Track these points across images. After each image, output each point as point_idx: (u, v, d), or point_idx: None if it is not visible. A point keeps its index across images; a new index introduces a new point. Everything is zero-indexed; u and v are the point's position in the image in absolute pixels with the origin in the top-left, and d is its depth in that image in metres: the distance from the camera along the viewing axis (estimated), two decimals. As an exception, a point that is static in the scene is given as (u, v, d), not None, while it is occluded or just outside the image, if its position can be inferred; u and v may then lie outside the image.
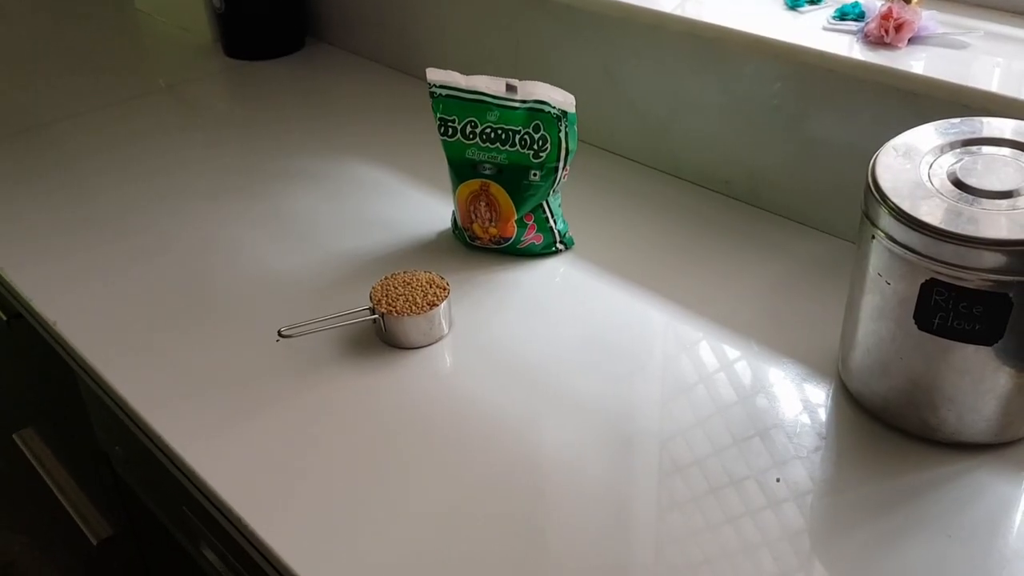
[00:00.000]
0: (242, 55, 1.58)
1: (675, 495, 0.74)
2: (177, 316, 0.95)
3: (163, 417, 0.83)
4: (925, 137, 0.77)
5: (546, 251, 1.02)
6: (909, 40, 0.94)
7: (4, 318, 1.16)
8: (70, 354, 0.94)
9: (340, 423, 0.81)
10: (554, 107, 0.94)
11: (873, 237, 0.74)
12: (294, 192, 1.17)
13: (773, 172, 1.07)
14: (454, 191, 1.01)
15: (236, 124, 1.38)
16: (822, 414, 0.81)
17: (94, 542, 1.32)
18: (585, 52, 1.19)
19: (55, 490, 1.43)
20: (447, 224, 1.08)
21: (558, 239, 1.02)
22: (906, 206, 0.71)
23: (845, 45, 0.96)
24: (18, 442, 1.53)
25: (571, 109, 0.95)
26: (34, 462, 1.50)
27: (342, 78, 1.51)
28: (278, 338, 0.87)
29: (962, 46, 0.94)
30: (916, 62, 0.91)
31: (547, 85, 0.95)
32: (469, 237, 1.02)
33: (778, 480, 0.74)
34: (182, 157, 1.27)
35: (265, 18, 1.56)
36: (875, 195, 0.74)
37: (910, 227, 0.70)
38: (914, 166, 0.75)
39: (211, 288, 0.99)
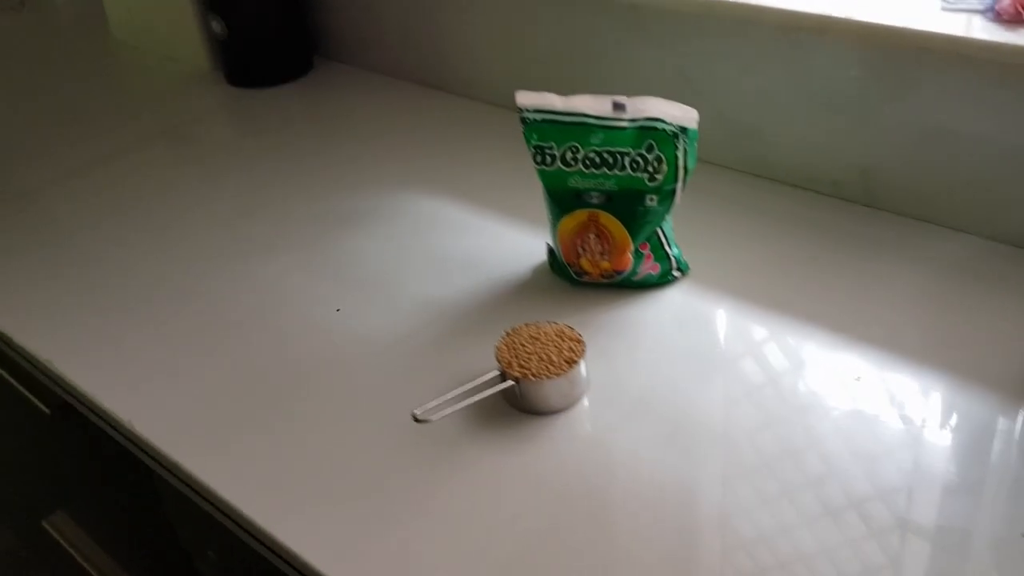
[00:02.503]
0: (247, 83, 1.45)
1: (872, 559, 0.65)
2: (264, 400, 0.84)
3: (286, 525, 0.71)
4: None
5: (663, 280, 0.93)
6: (1047, 15, 0.86)
7: (47, 410, 1.03)
8: (153, 456, 0.82)
9: (495, 516, 0.71)
10: (670, 124, 0.85)
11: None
12: (349, 236, 1.06)
13: (890, 169, 0.98)
14: (554, 224, 0.91)
15: (258, 164, 1.25)
16: (1030, 444, 0.73)
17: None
18: (655, 55, 1.09)
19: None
20: (539, 258, 0.98)
21: (674, 266, 0.92)
22: None
23: (974, 27, 0.87)
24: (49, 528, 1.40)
25: (692, 125, 0.85)
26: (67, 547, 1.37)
27: (364, 99, 1.39)
28: (414, 422, 0.76)
29: (1105, 17, 0.86)
30: (1065, 39, 0.83)
31: (662, 100, 0.85)
32: (576, 273, 0.92)
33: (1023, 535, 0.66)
34: (207, 211, 1.14)
35: (271, 40, 1.43)
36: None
37: None
38: None
39: (292, 362, 0.88)
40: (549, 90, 0.88)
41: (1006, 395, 0.77)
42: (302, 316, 0.94)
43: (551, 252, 0.95)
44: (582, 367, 0.79)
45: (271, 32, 1.42)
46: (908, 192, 0.98)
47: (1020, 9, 0.85)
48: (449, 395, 0.78)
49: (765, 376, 0.81)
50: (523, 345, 0.80)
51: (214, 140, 1.34)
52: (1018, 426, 0.74)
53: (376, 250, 1.03)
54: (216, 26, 1.40)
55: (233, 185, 1.19)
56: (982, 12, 0.89)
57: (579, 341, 0.80)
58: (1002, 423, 0.75)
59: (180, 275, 1.02)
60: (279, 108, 1.39)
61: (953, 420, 0.75)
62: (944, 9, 0.91)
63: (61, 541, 1.37)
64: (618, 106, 0.86)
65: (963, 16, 0.89)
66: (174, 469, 0.79)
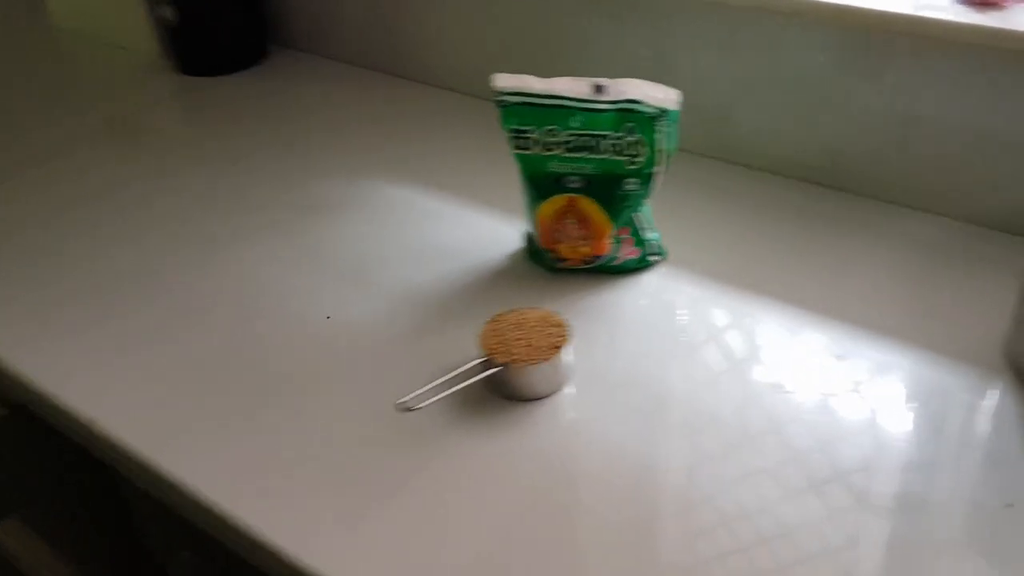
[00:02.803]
0: (199, 71, 1.41)
1: (867, 530, 0.65)
2: (239, 394, 0.81)
3: (268, 517, 0.69)
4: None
5: (642, 265, 0.92)
6: (1016, -3, 0.87)
7: (2, 411, 0.98)
8: (122, 455, 0.78)
9: (479, 503, 0.69)
10: (650, 105, 0.84)
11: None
12: (323, 224, 1.03)
13: (862, 153, 0.98)
14: (532, 209, 0.89)
15: (215, 155, 1.21)
16: (1008, 415, 0.73)
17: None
18: (627, 39, 1.09)
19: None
20: (515, 246, 0.96)
21: (653, 250, 0.92)
22: None
23: (946, 9, 0.88)
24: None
25: (673, 107, 0.84)
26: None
27: (324, 87, 1.36)
28: (398, 411, 0.74)
29: (1072, -1, 0.87)
30: (1036, 21, 0.84)
31: (644, 82, 0.84)
32: (554, 259, 0.91)
33: (1011, 505, 0.66)
34: (164, 204, 1.09)
35: (224, 26, 1.39)
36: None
37: None
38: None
39: (268, 354, 0.85)
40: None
41: (980, 371, 0.77)
42: (276, 307, 0.91)
43: (528, 239, 0.94)
44: (567, 352, 0.78)
45: (224, 17, 1.38)
46: (879, 175, 0.98)
47: (991, -9, 0.86)
48: (433, 383, 0.76)
49: (743, 356, 0.81)
50: (507, 332, 0.79)
51: (166, 131, 1.30)
52: (992, 401, 0.75)
53: (350, 239, 1.00)
54: (166, 11, 1.36)
55: (190, 177, 1.15)
56: (952, -5, 0.89)
57: (563, 326, 0.79)
58: (975, 398, 0.75)
59: (140, 268, 0.98)
60: (234, 97, 1.35)
61: (928, 396, 0.76)
62: (915, -8, 0.91)
63: (12, 550, 1.32)
64: (598, 88, 0.85)
65: (934, -1, 0.90)
66: (143, 469, 0.75)
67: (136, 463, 0.76)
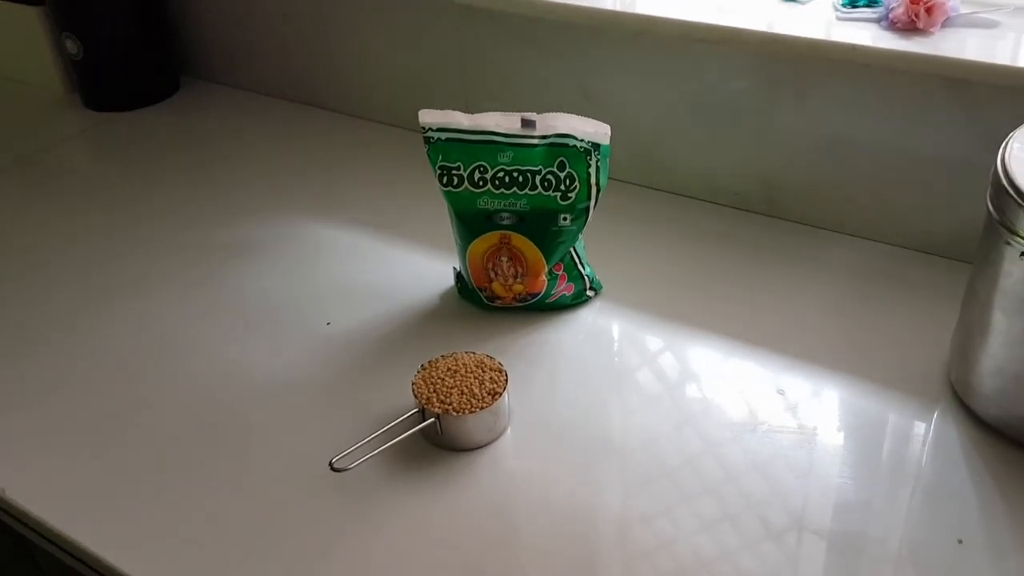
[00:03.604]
0: (107, 106, 1.34)
1: (810, 559, 0.64)
2: (155, 459, 0.75)
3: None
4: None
5: (577, 300, 0.90)
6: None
7: None
8: (33, 527, 0.72)
9: (421, 562, 0.65)
10: (581, 140, 0.82)
11: (1008, 244, 0.66)
12: (238, 269, 0.98)
13: (791, 179, 0.98)
14: (463, 248, 0.86)
15: (125, 194, 1.15)
16: (951, 444, 0.73)
17: None
18: (552, 70, 1.07)
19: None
20: (446, 284, 0.93)
21: (588, 285, 0.90)
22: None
23: (869, 35, 0.88)
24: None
25: (604, 141, 0.82)
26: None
27: (239, 120, 1.31)
28: (331, 471, 0.69)
29: (992, 24, 0.88)
30: (958, 46, 0.85)
31: (574, 116, 0.82)
32: (487, 298, 0.88)
33: (960, 542, 0.65)
34: (66, 248, 1.03)
35: (131, 59, 1.33)
36: (1015, 197, 0.65)
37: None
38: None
39: (186, 415, 0.80)
40: (438, 107, 0.83)
41: (920, 399, 0.77)
42: (193, 362, 0.86)
43: (459, 277, 0.91)
44: (505, 398, 0.75)
45: (131, 50, 1.32)
46: (809, 201, 0.98)
47: (914, 18, 0.86)
48: (366, 439, 0.72)
49: (678, 386, 0.79)
50: (441, 379, 0.75)
51: (71, 170, 1.23)
52: (934, 429, 0.75)
53: (265, 282, 0.96)
54: (70, 45, 1.29)
55: (92, 220, 1.09)
56: (876, 21, 0.89)
57: (500, 371, 0.76)
58: (916, 427, 0.75)
59: (39, 323, 0.92)
60: (144, 133, 1.29)
61: (866, 425, 0.75)
62: (839, 19, 0.91)
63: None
64: (527, 123, 0.82)
65: (859, 25, 0.90)
66: (59, 540, 0.70)
67: (49, 535, 0.71)
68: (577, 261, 0.88)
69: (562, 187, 0.82)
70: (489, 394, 0.74)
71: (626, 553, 0.66)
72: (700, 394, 0.79)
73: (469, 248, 0.85)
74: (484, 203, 0.83)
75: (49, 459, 0.76)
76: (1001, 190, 0.66)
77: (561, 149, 0.82)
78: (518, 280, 0.86)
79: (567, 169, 0.82)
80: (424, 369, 0.77)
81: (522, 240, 0.84)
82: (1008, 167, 0.67)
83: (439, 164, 0.83)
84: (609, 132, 0.82)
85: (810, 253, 0.95)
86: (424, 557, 0.66)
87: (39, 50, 1.36)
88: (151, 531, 0.69)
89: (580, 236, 0.86)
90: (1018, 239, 0.65)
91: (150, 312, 0.92)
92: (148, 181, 1.17)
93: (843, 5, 0.93)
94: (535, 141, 0.82)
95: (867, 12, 0.91)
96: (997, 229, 0.67)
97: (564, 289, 0.88)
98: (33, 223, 1.09)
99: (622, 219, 1.01)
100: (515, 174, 0.82)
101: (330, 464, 0.69)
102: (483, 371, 0.76)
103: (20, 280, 0.98)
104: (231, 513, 0.70)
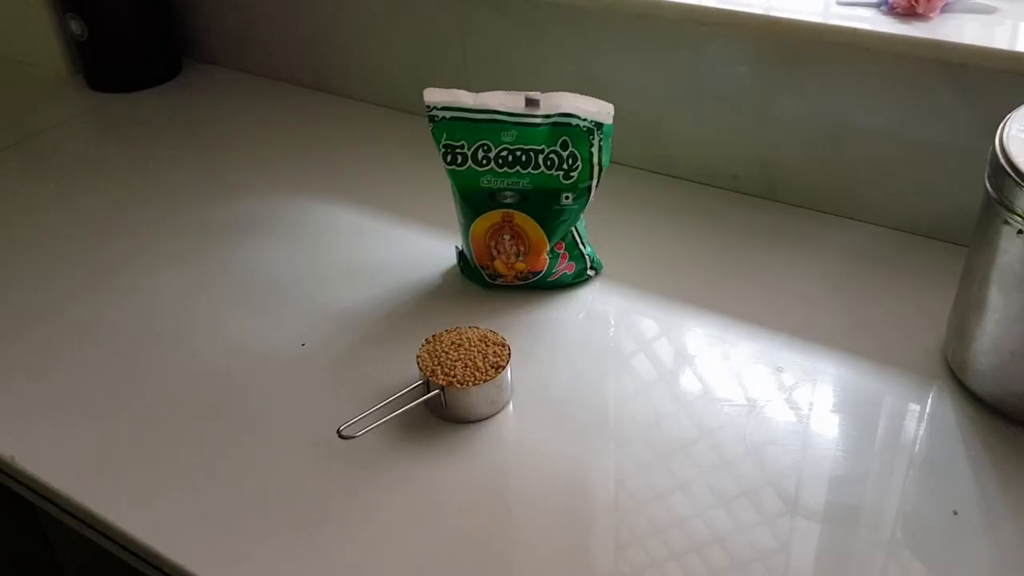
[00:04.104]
0: (110, 87, 1.35)
1: (804, 537, 0.65)
2: (167, 427, 0.77)
3: (203, 562, 0.65)
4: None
5: (578, 279, 0.91)
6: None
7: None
8: (42, 494, 0.73)
9: (425, 531, 0.67)
10: (584, 119, 0.83)
11: (1007, 223, 0.67)
12: (243, 247, 0.99)
13: (789, 162, 0.99)
14: (466, 226, 0.87)
15: (131, 174, 1.15)
16: (947, 421, 0.74)
17: None
18: (555, 53, 1.07)
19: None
20: (448, 263, 0.94)
21: (589, 264, 0.91)
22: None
23: (870, 20, 0.89)
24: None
25: (607, 120, 0.83)
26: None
27: (241, 102, 1.32)
28: (339, 439, 0.71)
29: (990, 10, 0.89)
30: (957, 31, 0.86)
31: (577, 95, 0.83)
32: (489, 276, 0.89)
33: (955, 513, 0.67)
34: (70, 228, 1.04)
35: (135, 40, 1.34)
36: (1013, 176, 0.66)
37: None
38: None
39: (198, 385, 0.81)
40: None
41: (917, 377, 0.78)
42: (204, 336, 0.87)
43: (461, 256, 0.92)
44: (508, 372, 0.76)
45: (135, 32, 1.33)
46: (808, 184, 0.99)
47: (913, 3, 0.87)
48: (372, 409, 0.73)
49: (677, 366, 0.81)
50: (446, 352, 0.76)
51: (75, 150, 1.23)
52: (931, 407, 0.76)
53: (270, 261, 0.97)
54: (75, 26, 1.30)
55: (99, 198, 1.10)
56: (876, 6, 0.90)
57: (504, 345, 0.77)
58: (914, 404, 0.76)
59: (48, 296, 0.93)
60: (147, 114, 1.30)
61: (865, 404, 0.76)
62: (840, 3, 0.92)
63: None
64: (531, 102, 0.83)
65: (859, 10, 0.91)
66: (69, 506, 0.71)
67: (57, 500, 0.72)
68: (578, 240, 0.89)
69: (565, 166, 0.83)
70: (492, 367, 0.75)
71: (624, 523, 0.67)
72: (698, 371, 0.80)
73: (472, 226, 0.86)
74: (487, 182, 0.84)
75: (58, 428, 0.77)
76: (999, 169, 0.67)
77: (564, 128, 0.83)
78: (520, 258, 0.87)
79: (570, 148, 0.83)
80: (429, 343, 0.78)
81: (525, 219, 0.85)
82: (1006, 147, 0.68)
83: (443, 142, 0.84)
84: (612, 111, 0.83)
85: (809, 235, 0.96)
86: (427, 523, 0.67)
87: (43, 31, 1.37)
88: (161, 497, 0.70)
89: (582, 216, 0.87)
90: (1016, 217, 0.67)
91: (153, 288, 0.93)
92: (151, 161, 1.18)
93: (844, -10, 0.94)
94: (539, 120, 0.83)
95: (867, -3, 0.92)
96: (995, 208, 0.69)
97: (565, 268, 0.89)
98: (37, 202, 1.10)
99: (622, 201, 1.02)
100: (518, 153, 0.83)
101: (338, 431, 0.70)
102: (487, 345, 0.77)
103: (26, 257, 0.99)
104: (241, 479, 0.71)
